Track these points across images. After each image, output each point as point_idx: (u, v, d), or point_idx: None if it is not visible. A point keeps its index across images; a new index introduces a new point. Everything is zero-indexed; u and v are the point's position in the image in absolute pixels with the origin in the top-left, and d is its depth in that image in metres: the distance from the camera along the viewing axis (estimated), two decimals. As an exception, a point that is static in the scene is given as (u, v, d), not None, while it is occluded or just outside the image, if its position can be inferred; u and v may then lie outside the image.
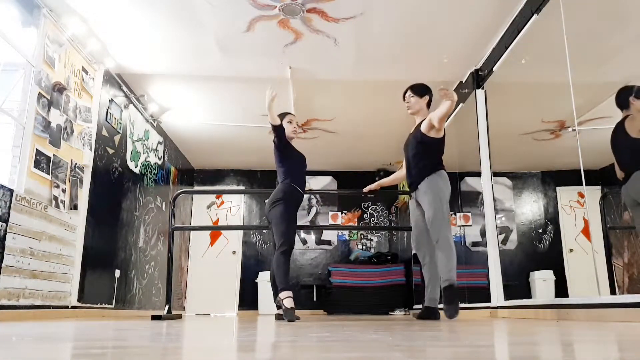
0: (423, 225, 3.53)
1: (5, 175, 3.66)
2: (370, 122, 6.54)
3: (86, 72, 4.69)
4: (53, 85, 4.12)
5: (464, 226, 7.55)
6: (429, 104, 3.70)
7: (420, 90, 3.70)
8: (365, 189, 4.14)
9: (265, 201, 3.82)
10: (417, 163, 3.55)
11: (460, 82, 5.29)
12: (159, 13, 4.17)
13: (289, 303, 3.33)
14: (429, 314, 3.45)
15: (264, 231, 8.39)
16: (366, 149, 7.64)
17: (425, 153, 3.53)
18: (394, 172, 9.10)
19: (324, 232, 8.52)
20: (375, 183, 4.16)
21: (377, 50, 4.75)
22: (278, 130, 3.65)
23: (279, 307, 3.47)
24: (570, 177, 7.14)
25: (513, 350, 1.28)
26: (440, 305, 3.41)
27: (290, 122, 3.86)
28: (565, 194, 7.76)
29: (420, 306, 3.61)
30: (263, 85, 5.57)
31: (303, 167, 3.89)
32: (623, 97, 3.37)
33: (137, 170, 5.89)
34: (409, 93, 3.72)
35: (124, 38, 4.58)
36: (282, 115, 3.86)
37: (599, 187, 6.15)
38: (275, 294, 3.50)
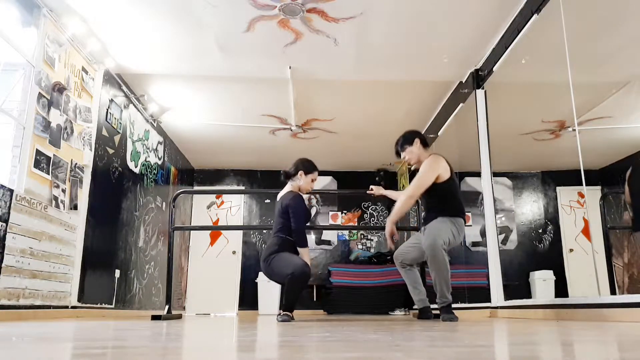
0: (417, 246, 3.53)
1: (5, 175, 3.65)
2: (370, 122, 6.54)
3: (86, 72, 4.69)
4: (53, 85, 4.12)
5: (464, 226, 7.53)
6: (423, 144, 3.49)
7: (408, 139, 3.49)
8: (370, 191, 3.99)
9: (264, 237, 3.67)
10: (428, 209, 3.46)
11: (460, 82, 5.29)
12: (159, 13, 4.17)
13: (282, 318, 3.31)
14: (423, 314, 3.58)
15: (264, 231, 8.39)
16: (366, 149, 7.64)
17: (433, 198, 3.39)
18: (394, 172, 8.98)
19: (324, 232, 8.51)
20: (383, 191, 3.97)
21: (377, 50, 4.74)
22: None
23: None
24: (570, 177, 7.14)
25: (513, 350, 1.28)
26: (434, 305, 3.46)
27: (314, 180, 3.68)
28: (565, 194, 7.76)
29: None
30: (263, 85, 5.61)
31: (307, 220, 3.71)
32: None
33: (137, 170, 5.89)
34: (399, 149, 3.52)
35: (124, 38, 4.58)
36: (310, 166, 3.66)
37: (599, 187, 6.15)
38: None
